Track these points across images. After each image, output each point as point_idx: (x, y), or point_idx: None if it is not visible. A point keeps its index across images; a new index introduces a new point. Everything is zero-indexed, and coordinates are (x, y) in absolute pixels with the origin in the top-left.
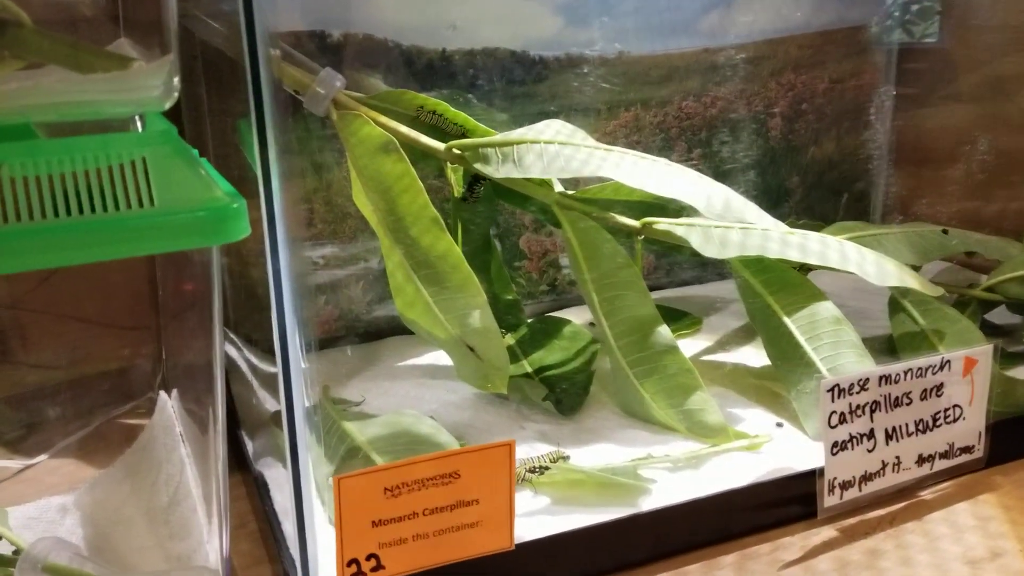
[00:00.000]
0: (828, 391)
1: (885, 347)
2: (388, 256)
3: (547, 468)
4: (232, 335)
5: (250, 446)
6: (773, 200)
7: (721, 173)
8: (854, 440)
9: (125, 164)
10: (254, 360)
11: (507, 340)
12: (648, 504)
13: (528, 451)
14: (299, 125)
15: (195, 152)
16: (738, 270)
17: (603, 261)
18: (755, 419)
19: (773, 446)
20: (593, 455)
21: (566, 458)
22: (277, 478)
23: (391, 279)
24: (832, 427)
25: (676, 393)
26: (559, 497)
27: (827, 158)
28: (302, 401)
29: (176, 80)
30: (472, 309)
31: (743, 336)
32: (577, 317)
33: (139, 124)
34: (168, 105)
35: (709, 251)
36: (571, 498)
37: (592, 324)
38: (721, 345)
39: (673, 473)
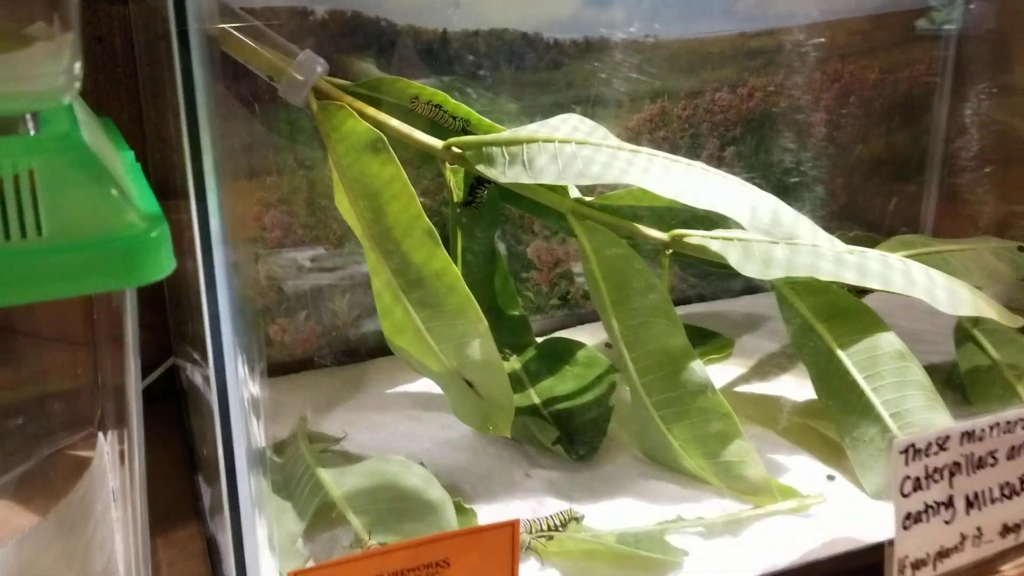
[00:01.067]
0: (902, 453)
1: (947, 379)
2: (374, 274)
3: (557, 531)
4: (194, 355)
5: (206, 497)
6: (814, 204)
7: (756, 174)
8: (930, 510)
9: (5, 179)
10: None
11: (512, 364)
12: None
13: (535, 507)
14: (281, 114)
15: (129, 158)
16: (783, 293)
17: (626, 282)
18: (801, 469)
19: (826, 507)
20: (612, 514)
21: (579, 519)
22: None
23: (377, 300)
24: (905, 495)
25: (711, 441)
26: (572, 570)
27: (875, 157)
28: (243, 444)
29: (78, 67)
30: (471, 338)
31: (784, 361)
32: (593, 336)
33: (30, 125)
34: (68, 99)
35: (750, 270)
36: (586, 570)
37: (609, 345)
38: (758, 373)
39: (707, 540)
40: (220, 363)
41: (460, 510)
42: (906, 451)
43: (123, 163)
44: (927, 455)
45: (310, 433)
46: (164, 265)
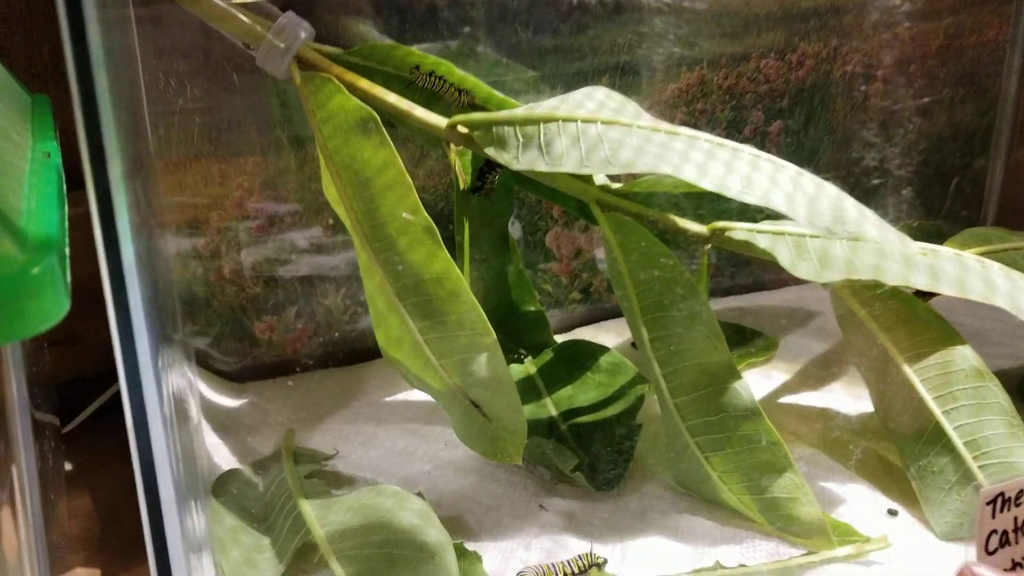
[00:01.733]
0: (989, 504)
1: (1019, 387)
2: (366, 275)
3: None
4: None
5: None
6: (867, 186)
7: (804, 150)
8: (1020, 569)
9: None
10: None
11: (527, 367)
12: None
13: (550, 548)
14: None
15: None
16: (841, 297)
17: (659, 285)
18: (858, 500)
19: (890, 552)
20: (639, 557)
21: (601, 564)
22: None
23: (371, 305)
24: (991, 552)
25: (757, 473)
26: None
27: (936, 133)
28: (168, 472)
29: None
30: (477, 352)
31: (836, 367)
32: (618, 334)
33: None
34: None
35: (803, 271)
36: None
37: (634, 345)
38: (806, 380)
39: None
40: (134, 379)
41: (462, 553)
42: (993, 501)
43: (31, 161)
44: (1016, 505)
45: (297, 449)
46: (51, 310)
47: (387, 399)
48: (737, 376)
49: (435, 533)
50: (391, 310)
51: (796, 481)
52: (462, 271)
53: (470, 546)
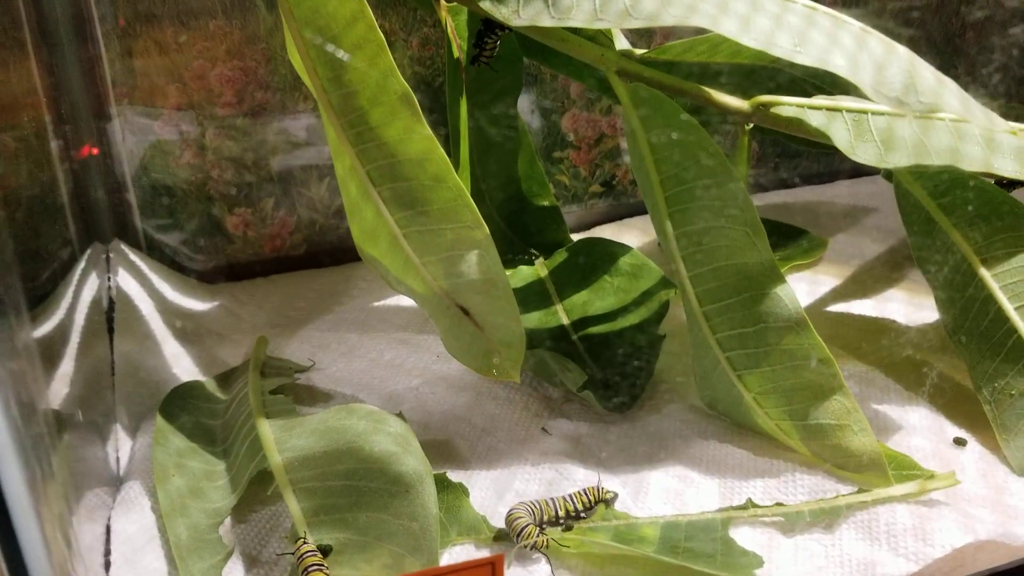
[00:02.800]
0: None
1: None
2: (336, 155)
3: (579, 518)
4: None
5: None
6: (945, 61)
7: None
8: None
9: None
10: None
11: (537, 269)
12: None
13: (552, 479)
14: None
15: None
16: (905, 186)
17: (688, 169)
18: (919, 427)
19: (957, 491)
20: (656, 493)
21: (610, 501)
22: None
23: (343, 193)
24: None
25: (800, 396)
26: None
27: None
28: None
29: None
30: (466, 250)
31: (892, 270)
32: (644, 233)
33: None
34: None
35: (864, 154)
36: None
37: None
38: (859, 286)
39: (788, 537)
40: None
41: (444, 486)
42: None
43: None
44: None
45: (268, 359)
46: None
47: (376, 304)
48: (779, 279)
49: (412, 462)
50: (364, 198)
51: (847, 404)
52: (457, 157)
53: (459, 476)
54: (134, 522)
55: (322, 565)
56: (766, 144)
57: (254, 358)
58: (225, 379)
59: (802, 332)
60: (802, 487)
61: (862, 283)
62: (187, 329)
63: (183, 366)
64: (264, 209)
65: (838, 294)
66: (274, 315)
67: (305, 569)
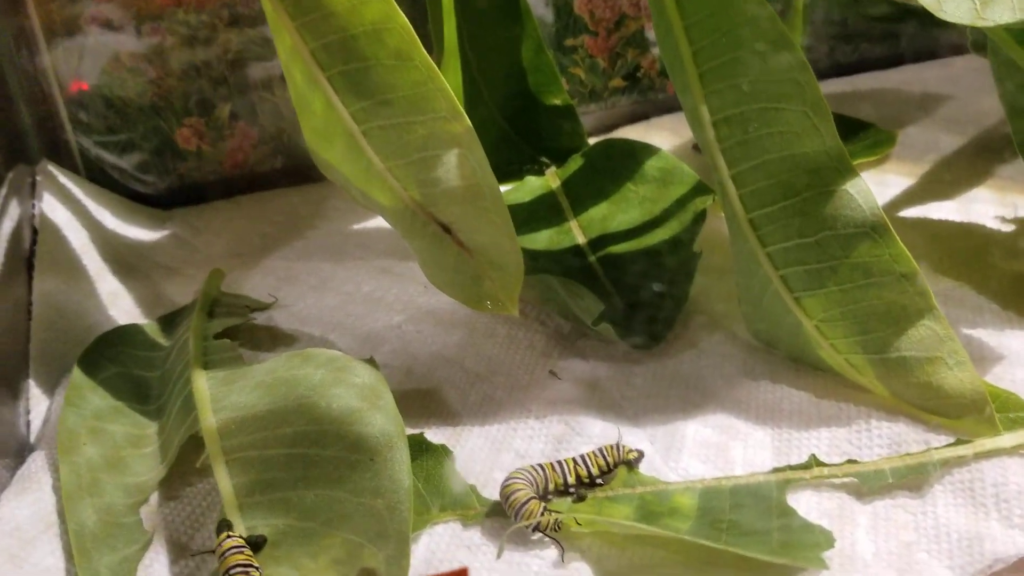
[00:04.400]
0: None
1: None
2: (276, 33)
3: (594, 484)
4: None
5: None
6: None
7: None
8: None
9: None
10: None
11: (547, 181)
12: None
13: (561, 435)
14: None
15: None
16: (1006, 50)
17: (728, 36)
18: (1021, 350)
19: None
20: (691, 449)
21: (634, 461)
22: None
23: (288, 81)
24: None
25: (876, 321)
26: (611, 569)
27: None
28: None
29: None
30: (442, 149)
31: (975, 163)
32: (675, 134)
33: None
34: None
35: (954, 11)
36: (635, 572)
37: (697, 148)
38: (936, 185)
39: (867, 504)
40: None
41: (424, 449)
42: None
43: None
44: None
45: (222, 296)
46: None
47: (355, 227)
48: (850, 172)
49: (380, 421)
50: (312, 87)
51: (938, 331)
52: (441, 40)
53: (445, 435)
54: (28, 505)
55: (249, 567)
56: (818, 23)
57: (203, 295)
58: (170, 321)
59: (880, 240)
60: (880, 439)
61: (940, 182)
62: (129, 263)
63: (121, 307)
64: (219, 118)
65: (912, 196)
66: (234, 243)
67: (226, 572)
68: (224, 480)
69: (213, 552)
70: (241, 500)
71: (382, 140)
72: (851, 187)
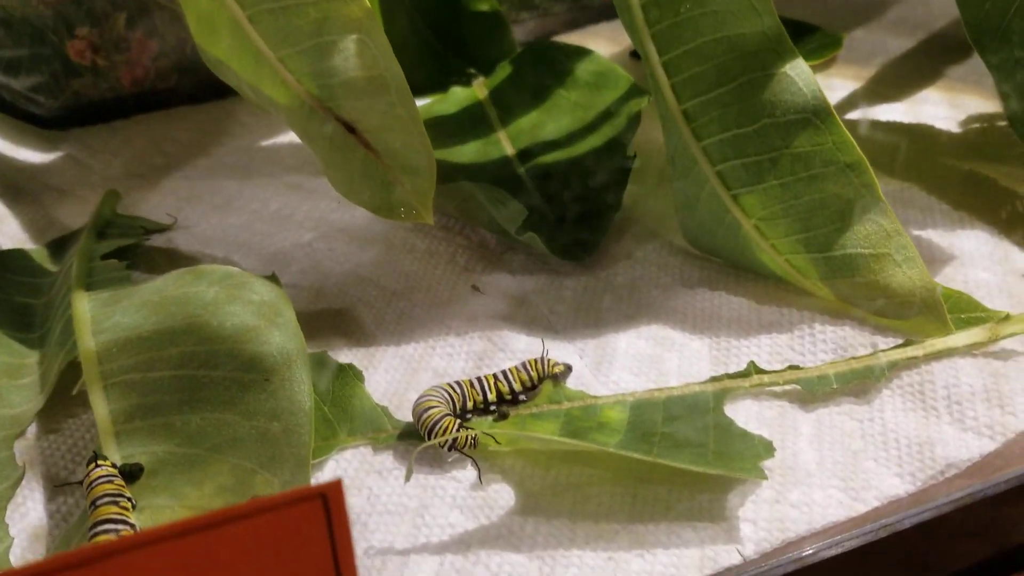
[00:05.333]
0: None
1: None
2: None
3: (517, 401)
4: None
5: None
6: None
7: None
8: None
9: None
10: None
11: (474, 91)
12: (754, 532)
13: (483, 352)
14: None
15: None
16: None
17: None
18: (978, 254)
19: None
20: (623, 362)
21: (559, 376)
22: None
23: None
24: None
25: (821, 217)
26: (534, 489)
27: None
28: None
29: None
30: (339, 33)
31: (923, 65)
32: (612, 42)
33: None
34: None
35: None
36: (560, 491)
37: (636, 55)
38: (883, 87)
39: (811, 412)
40: None
41: (330, 369)
42: None
43: None
44: None
45: (116, 219)
46: None
47: (263, 143)
48: (790, 53)
49: (278, 339)
50: None
51: (886, 225)
52: None
53: (358, 355)
54: None
55: (119, 496)
56: None
57: (94, 217)
58: (59, 246)
59: (822, 126)
60: (824, 343)
61: (888, 84)
62: (16, 185)
63: (6, 232)
64: (115, 29)
65: (859, 98)
66: (133, 163)
67: (93, 503)
68: (100, 406)
69: (80, 483)
70: (118, 427)
71: (270, 26)
72: (791, 69)
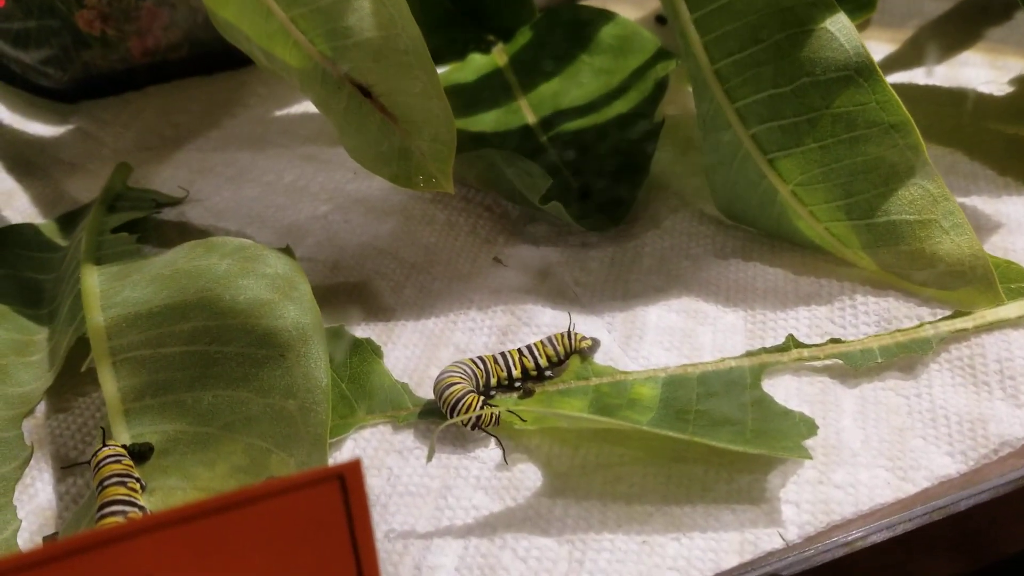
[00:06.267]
0: None
1: None
2: None
3: (543, 377)
4: None
5: None
6: None
7: None
8: None
9: None
10: None
11: (494, 58)
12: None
13: (506, 328)
14: None
15: None
16: None
17: None
18: (1020, 217)
19: None
20: (653, 336)
21: (586, 351)
22: None
23: None
24: None
25: (863, 182)
26: (562, 470)
27: None
28: None
29: None
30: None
31: (963, 26)
32: (638, 6)
33: None
34: None
35: None
36: (590, 472)
37: (662, 19)
38: (922, 49)
39: (854, 388)
40: None
41: (348, 345)
42: None
43: None
44: None
45: (127, 192)
46: None
47: (277, 113)
48: (830, 8)
49: (293, 313)
50: None
51: (933, 190)
52: None
53: (377, 331)
54: None
55: (127, 477)
56: None
57: (105, 190)
58: (70, 220)
59: (866, 84)
60: (867, 316)
61: (926, 46)
62: (27, 159)
63: (16, 207)
64: None
65: (896, 62)
66: (145, 136)
67: (100, 484)
68: (109, 383)
69: (88, 463)
70: (128, 405)
71: None
72: (831, 24)
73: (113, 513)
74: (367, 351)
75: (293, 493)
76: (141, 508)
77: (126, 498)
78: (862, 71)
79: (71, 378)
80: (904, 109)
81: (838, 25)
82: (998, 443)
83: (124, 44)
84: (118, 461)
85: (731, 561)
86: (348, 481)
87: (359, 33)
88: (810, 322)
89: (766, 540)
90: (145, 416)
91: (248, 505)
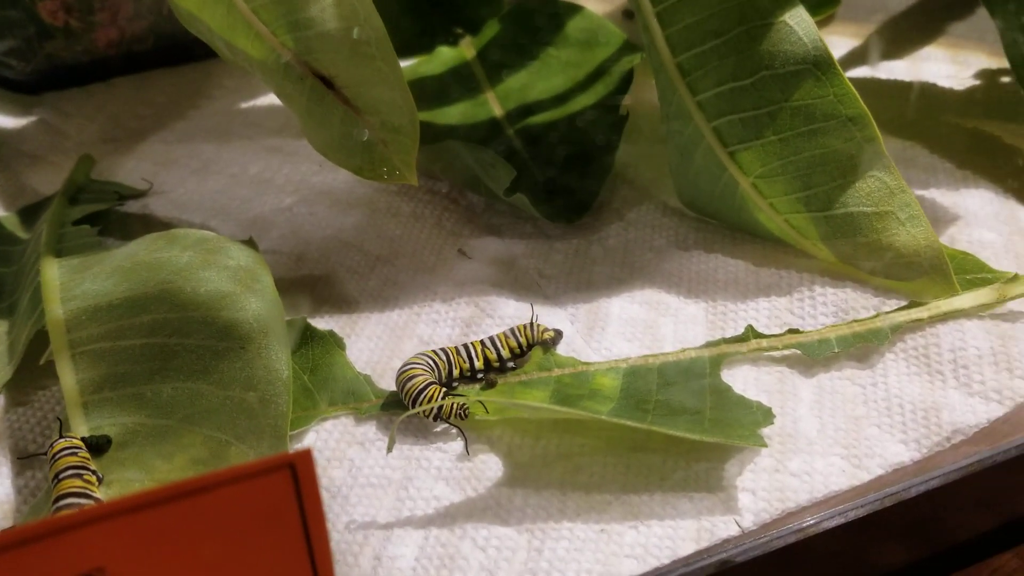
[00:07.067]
0: None
1: None
2: None
3: (504, 369)
4: None
5: None
6: None
7: None
8: None
9: None
10: None
11: (461, 51)
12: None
13: (469, 320)
14: None
15: None
16: None
17: None
18: (983, 214)
19: None
20: (615, 328)
21: (548, 342)
22: None
23: None
24: None
25: (821, 174)
26: (523, 460)
27: None
28: None
29: None
30: None
31: (925, 22)
32: (603, 1)
33: None
34: None
35: None
36: (550, 462)
37: (629, 14)
38: (884, 44)
39: (811, 378)
40: None
41: (310, 337)
42: None
43: None
44: None
45: (90, 185)
46: None
47: (242, 105)
48: (789, 2)
49: (254, 305)
50: None
51: (889, 182)
52: None
53: (341, 323)
54: None
55: (83, 469)
56: None
57: (68, 182)
58: (31, 213)
59: (823, 77)
60: (825, 306)
61: (888, 41)
62: None
63: None
64: None
65: (858, 56)
66: (109, 128)
67: (56, 476)
68: (68, 376)
69: (44, 454)
70: (86, 397)
71: None
72: (790, 18)
73: (69, 506)
74: (330, 343)
75: (244, 482)
76: (97, 500)
77: (81, 491)
78: (820, 64)
79: (29, 371)
80: (861, 102)
81: (797, 19)
82: (951, 431)
83: (88, 35)
84: (74, 453)
85: (687, 548)
86: (299, 470)
87: (321, 24)
88: (770, 313)
89: (722, 527)
90: (104, 409)
91: (199, 493)
